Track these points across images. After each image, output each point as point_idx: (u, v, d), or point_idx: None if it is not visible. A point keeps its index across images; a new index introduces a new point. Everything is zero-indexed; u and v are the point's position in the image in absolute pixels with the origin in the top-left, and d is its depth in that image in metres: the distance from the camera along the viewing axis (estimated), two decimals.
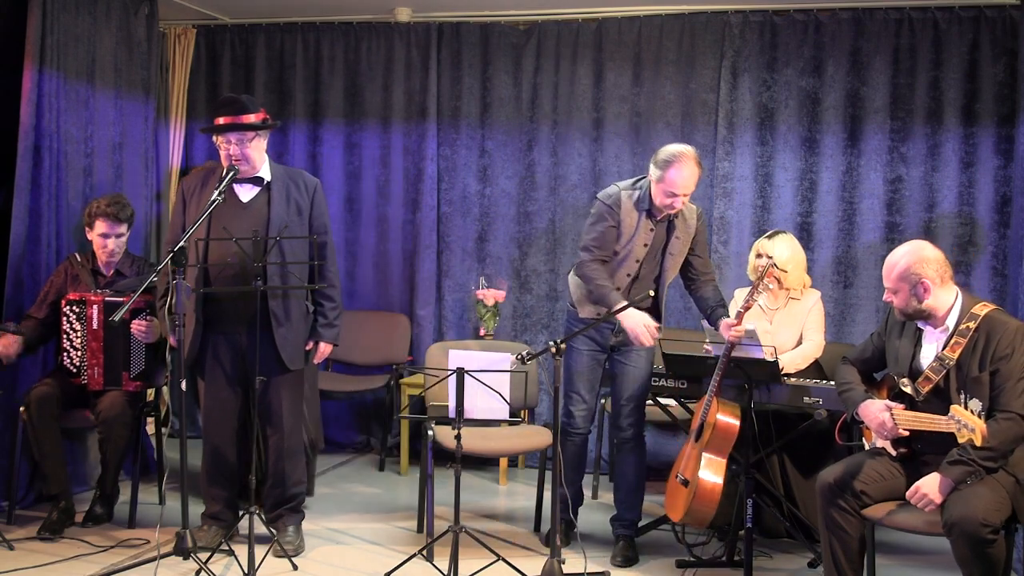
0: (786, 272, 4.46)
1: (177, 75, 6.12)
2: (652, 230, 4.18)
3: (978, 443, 3.02)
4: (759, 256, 4.60)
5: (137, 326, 4.37)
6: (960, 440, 3.07)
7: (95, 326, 4.39)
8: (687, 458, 4.04)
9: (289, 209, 4.13)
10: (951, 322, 3.37)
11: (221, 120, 4.04)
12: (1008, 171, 5.16)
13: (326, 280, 4.19)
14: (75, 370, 4.44)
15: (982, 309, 3.33)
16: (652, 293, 4.08)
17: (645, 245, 4.18)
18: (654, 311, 4.15)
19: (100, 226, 4.52)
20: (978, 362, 3.27)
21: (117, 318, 3.73)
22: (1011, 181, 5.11)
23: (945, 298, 3.38)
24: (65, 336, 4.46)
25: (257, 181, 4.15)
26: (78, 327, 4.44)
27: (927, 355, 3.44)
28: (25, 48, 4.65)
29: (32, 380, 4.70)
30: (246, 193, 4.14)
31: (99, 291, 4.48)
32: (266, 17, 6.13)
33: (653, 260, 4.24)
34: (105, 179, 5.16)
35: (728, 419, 3.90)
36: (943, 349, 3.34)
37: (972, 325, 3.30)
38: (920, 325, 3.48)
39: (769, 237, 4.64)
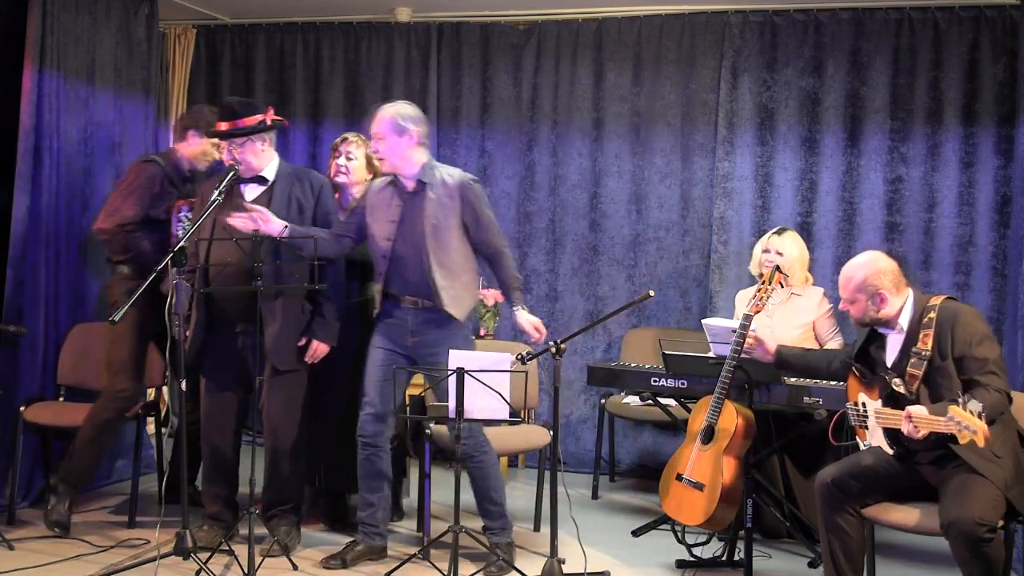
0: (788, 277, 4.47)
1: (177, 75, 6.12)
2: (400, 205, 4.01)
3: (980, 444, 3.03)
4: (766, 251, 4.63)
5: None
6: (961, 441, 3.07)
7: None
8: (695, 461, 4.00)
9: (290, 208, 4.12)
10: (903, 320, 3.46)
11: (223, 126, 4.12)
12: (1008, 171, 5.16)
13: (327, 280, 4.15)
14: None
15: (936, 300, 3.44)
16: (652, 293, 4.07)
17: (392, 221, 3.99)
18: (424, 288, 3.96)
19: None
20: (939, 351, 3.35)
21: (117, 318, 3.72)
22: (1011, 181, 5.11)
23: (899, 304, 3.48)
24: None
25: (262, 181, 4.18)
26: None
27: (890, 355, 3.52)
28: (25, 48, 4.66)
29: (32, 379, 4.71)
30: (250, 193, 4.17)
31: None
32: (266, 17, 6.13)
33: (413, 236, 3.98)
34: (104, 179, 5.15)
35: (746, 422, 3.90)
36: (916, 344, 3.40)
37: (933, 316, 3.39)
38: (880, 329, 3.56)
39: (778, 233, 4.68)
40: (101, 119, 5.13)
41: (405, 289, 4.02)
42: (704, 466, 3.94)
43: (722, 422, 3.91)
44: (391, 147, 3.96)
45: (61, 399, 4.82)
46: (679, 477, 4.02)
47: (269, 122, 4.17)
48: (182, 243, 3.79)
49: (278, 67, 6.18)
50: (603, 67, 5.75)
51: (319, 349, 4.19)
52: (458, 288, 4.03)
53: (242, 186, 4.17)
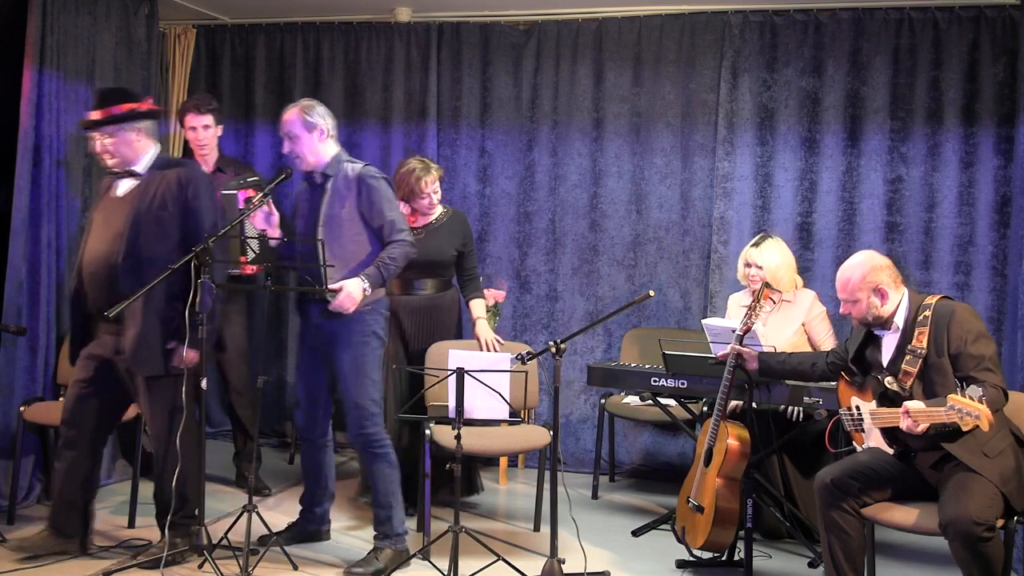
0: (780, 292, 4.44)
1: (177, 75, 6.11)
2: (308, 200, 4.10)
3: (985, 429, 3.04)
4: (748, 265, 4.57)
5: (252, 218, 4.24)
6: (964, 428, 3.07)
7: None
8: (698, 484, 4.01)
9: (152, 204, 3.89)
10: (899, 319, 3.49)
11: (95, 115, 3.95)
12: (1008, 171, 5.15)
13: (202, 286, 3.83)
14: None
15: (932, 299, 3.46)
16: (652, 293, 4.08)
17: (303, 218, 4.10)
18: (318, 279, 3.96)
19: (188, 120, 5.00)
20: (935, 348, 3.37)
21: (112, 315, 3.65)
22: (1011, 181, 5.10)
23: (897, 301, 3.50)
24: None
25: (134, 175, 3.99)
26: None
27: (885, 355, 3.53)
28: (25, 48, 4.66)
29: (32, 379, 4.71)
30: (122, 188, 4.01)
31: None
32: (266, 17, 6.13)
33: (312, 227, 4.03)
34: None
35: (738, 442, 3.89)
36: (911, 342, 3.41)
37: (928, 314, 3.41)
38: (876, 331, 3.58)
39: (755, 245, 4.58)
40: None
41: (307, 281, 4.07)
42: (704, 489, 3.95)
43: (718, 444, 3.92)
44: (305, 144, 4.01)
45: (61, 399, 4.81)
46: (688, 500, 4.04)
47: (143, 110, 3.96)
48: (207, 243, 3.77)
49: (278, 67, 6.18)
50: (603, 67, 5.75)
51: (189, 355, 3.87)
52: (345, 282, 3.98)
53: (116, 181, 4.02)
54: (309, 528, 4.32)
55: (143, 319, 3.85)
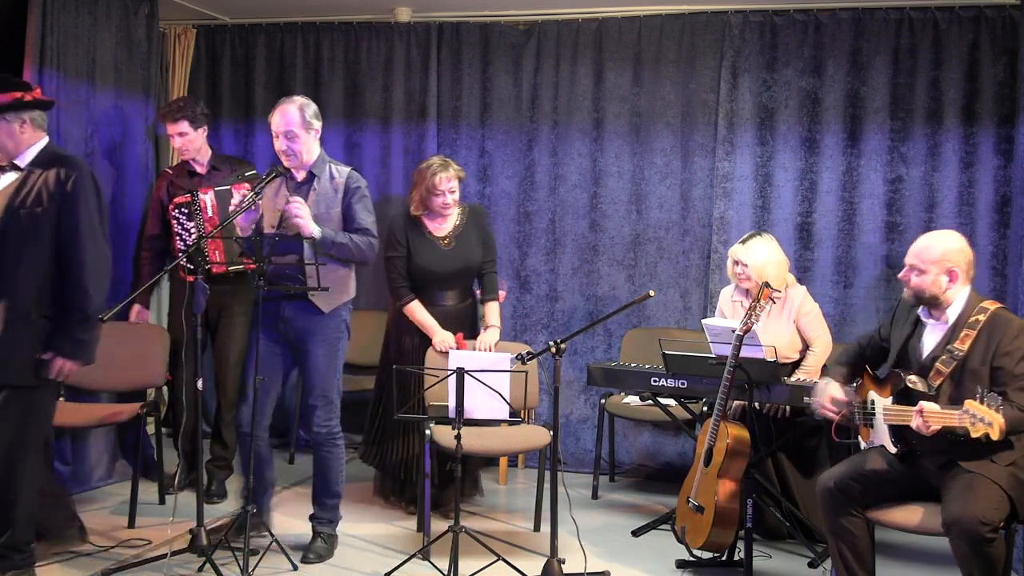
0: (780, 292, 4.43)
1: (177, 75, 6.11)
2: (286, 194, 4.09)
3: (995, 437, 3.03)
4: (735, 263, 4.57)
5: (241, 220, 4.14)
6: (974, 435, 3.06)
7: (210, 214, 4.73)
8: (698, 483, 4.01)
9: (27, 200, 3.57)
10: (951, 315, 3.43)
11: None
12: (1008, 171, 5.16)
13: (75, 292, 3.54)
14: (191, 267, 4.22)
15: (991, 305, 3.40)
16: (652, 293, 4.09)
17: (278, 210, 4.08)
18: (297, 275, 4.03)
19: (166, 128, 4.99)
20: (980, 355, 3.32)
21: (107, 318, 3.53)
22: (1011, 181, 5.11)
23: (958, 293, 3.45)
24: (178, 238, 4.83)
25: (18, 169, 3.67)
26: (190, 225, 4.78)
27: (927, 347, 3.49)
28: (25, 48, 4.66)
29: None
30: (3, 182, 3.67)
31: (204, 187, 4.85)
32: (266, 17, 6.13)
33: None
34: (105, 179, 5.14)
35: (739, 443, 3.89)
36: (953, 342, 3.37)
37: (982, 318, 3.35)
38: (923, 317, 3.51)
39: (743, 242, 4.59)
40: (101, 119, 5.13)
41: (281, 275, 4.08)
42: (705, 488, 3.95)
43: (718, 444, 3.92)
44: (303, 143, 4.05)
45: (61, 399, 4.81)
46: (688, 500, 4.04)
47: (28, 100, 3.66)
48: (199, 243, 3.77)
49: (278, 67, 6.18)
50: (603, 67, 5.75)
51: (65, 367, 3.56)
52: (330, 280, 4.03)
53: (1, 174, 3.71)
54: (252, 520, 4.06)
55: (5, 324, 3.52)
